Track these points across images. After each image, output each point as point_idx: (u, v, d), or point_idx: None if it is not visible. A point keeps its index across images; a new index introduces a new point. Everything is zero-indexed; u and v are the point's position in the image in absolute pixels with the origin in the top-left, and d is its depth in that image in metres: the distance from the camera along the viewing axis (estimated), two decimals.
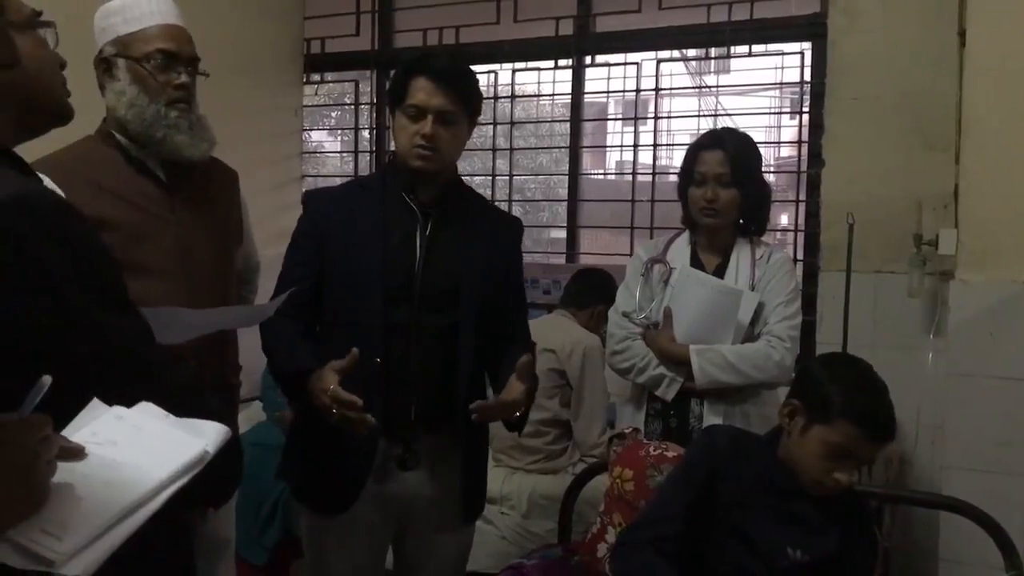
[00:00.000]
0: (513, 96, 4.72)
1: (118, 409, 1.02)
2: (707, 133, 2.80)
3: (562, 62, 4.47)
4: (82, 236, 1.10)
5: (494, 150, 4.73)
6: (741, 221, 2.69)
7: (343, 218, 2.18)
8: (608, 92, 4.97)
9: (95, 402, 1.01)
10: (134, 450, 0.99)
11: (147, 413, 1.04)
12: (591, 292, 3.70)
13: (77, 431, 0.99)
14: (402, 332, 2.12)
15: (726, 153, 2.61)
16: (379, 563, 2.29)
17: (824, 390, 1.98)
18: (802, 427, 2.00)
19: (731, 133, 2.78)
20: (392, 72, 2.21)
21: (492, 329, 2.20)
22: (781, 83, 4.51)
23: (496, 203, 4.71)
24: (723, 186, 2.61)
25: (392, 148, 2.25)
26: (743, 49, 4.09)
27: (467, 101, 2.15)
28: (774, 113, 5.24)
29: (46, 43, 1.22)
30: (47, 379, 0.92)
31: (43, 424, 0.91)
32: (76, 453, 0.96)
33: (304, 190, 2.38)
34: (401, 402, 2.13)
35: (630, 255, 3.59)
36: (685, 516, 2.04)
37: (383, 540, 2.27)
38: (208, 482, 1.19)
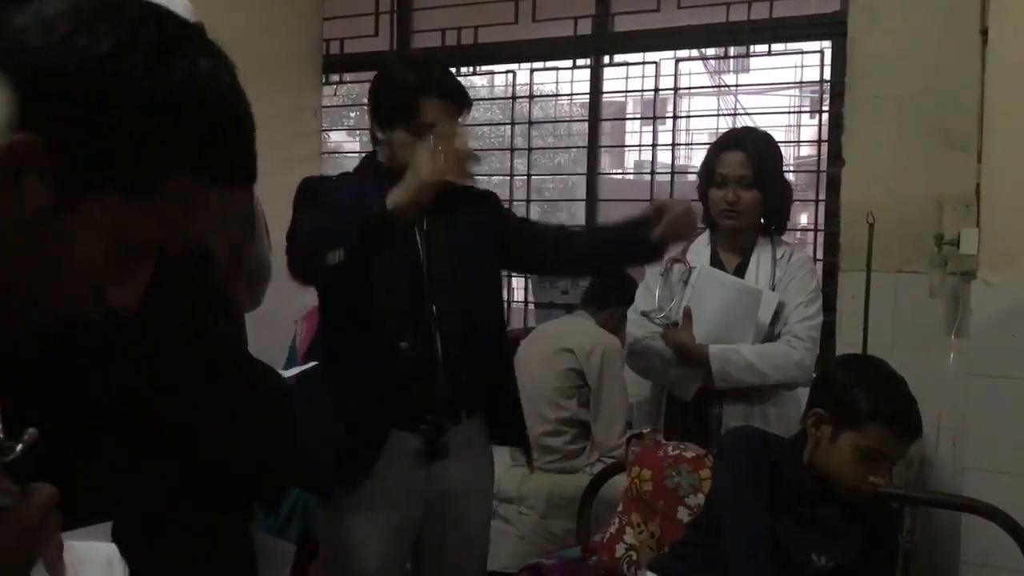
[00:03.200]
0: (531, 96, 4.72)
1: (112, 552, 0.95)
2: (728, 133, 2.79)
3: (580, 62, 4.47)
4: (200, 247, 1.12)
5: (512, 150, 4.73)
6: (762, 221, 2.68)
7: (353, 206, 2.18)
8: (627, 92, 4.96)
9: (105, 527, 0.95)
10: None
11: None
12: (611, 293, 3.67)
13: (69, 544, 0.91)
14: (422, 321, 2.16)
15: (747, 154, 2.59)
16: (403, 561, 2.30)
17: (848, 396, 1.96)
18: (830, 435, 1.99)
19: (752, 133, 2.76)
20: (383, 86, 2.24)
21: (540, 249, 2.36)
22: (801, 82, 4.50)
23: (514, 203, 4.72)
24: (744, 188, 2.59)
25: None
26: (762, 48, 4.07)
27: (466, 112, 2.22)
28: (794, 112, 5.23)
29: None
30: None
31: (49, 500, 0.83)
32: (58, 574, 0.87)
33: (303, 178, 2.33)
34: (428, 388, 2.16)
35: None
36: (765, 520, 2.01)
37: (406, 539, 2.27)
38: (261, 479, 1.20)
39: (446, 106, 2.14)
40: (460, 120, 2.19)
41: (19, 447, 0.83)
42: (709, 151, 2.71)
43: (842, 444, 1.97)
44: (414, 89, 2.13)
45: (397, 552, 2.26)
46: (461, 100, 2.18)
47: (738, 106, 5.01)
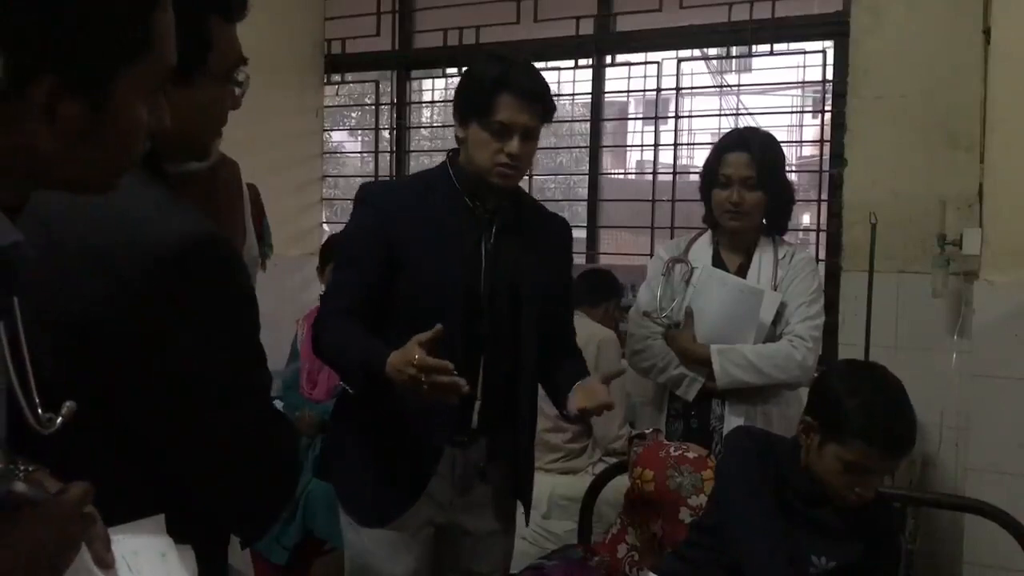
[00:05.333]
0: None
1: (166, 544, 0.99)
2: (732, 133, 2.77)
3: (582, 61, 4.47)
4: (243, 278, 1.15)
5: None
6: (764, 221, 2.68)
7: (411, 217, 2.11)
8: (628, 91, 4.95)
9: (159, 519, 0.99)
10: None
11: (181, 573, 1.00)
12: (601, 290, 3.88)
13: (121, 538, 0.94)
14: (470, 341, 2.09)
15: (752, 155, 2.59)
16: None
17: (836, 408, 1.94)
18: (818, 444, 1.98)
19: (756, 134, 2.75)
20: (466, 80, 2.14)
21: (546, 337, 2.23)
22: (803, 82, 4.47)
23: None
24: (749, 189, 2.59)
25: (455, 149, 2.20)
26: (764, 48, 4.07)
27: (548, 115, 2.13)
28: (796, 112, 5.20)
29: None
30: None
31: (84, 498, 0.86)
32: (107, 566, 0.90)
33: (364, 187, 2.23)
34: (466, 410, 2.11)
35: (650, 255, 3.59)
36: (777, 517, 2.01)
37: (430, 548, 2.25)
38: (245, 516, 1.22)
39: (522, 105, 2.05)
40: (540, 125, 2.10)
41: (59, 420, 0.87)
42: (712, 151, 2.70)
43: (827, 454, 1.96)
44: (492, 84, 2.04)
45: (424, 559, 2.23)
46: (541, 103, 2.08)
47: (740, 106, 5.00)
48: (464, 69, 2.21)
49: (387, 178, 4.87)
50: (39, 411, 0.86)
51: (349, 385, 2.16)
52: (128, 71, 0.85)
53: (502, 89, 2.04)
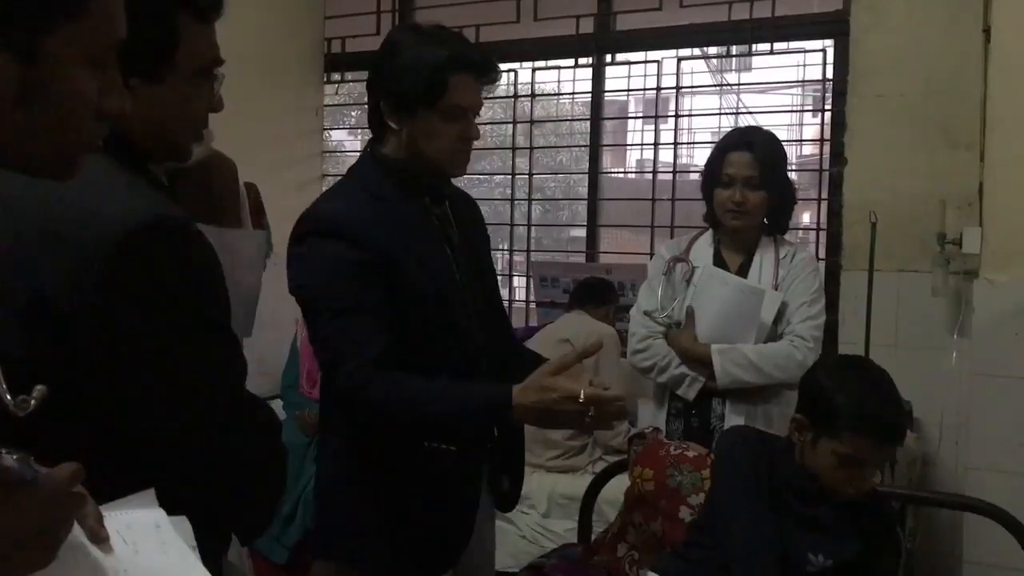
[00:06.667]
0: (533, 95, 4.72)
1: (159, 516, 0.98)
2: (734, 133, 2.77)
3: (582, 60, 4.47)
4: (209, 265, 1.14)
5: (514, 149, 4.73)
6: (765, 221, 2.68)
7: (388, 236, 1.86)
8: (628, 90, 4.97)
9: (149, 493, 0.97)
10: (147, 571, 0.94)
11: (177, 542, 0.98)
12: (601, 294, 3.96)
13: (113, 513, 0.93)
14: (475, 349, 1.95)
15: (754, 155, 2.58)
16: None
17: (826, 403, 1.95)
18: (811, 441, 1.99)
19: (758, 133, 2.74)
20: (405, 66, 1.84)
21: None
22: (803, 81, 4.49)
23: (516, 202, 4.73)
24: (751, 188, 2.58)
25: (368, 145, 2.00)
26: (765, 47, 4.07)
27: (491, 85, 1.98)
28: (796, 111, 5.22)
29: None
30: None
31: (74, 477, 0.85)
32: (101, 541, 0.89)
33: (319, 216, 1.94)
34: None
35: (650, 254, 3.59)
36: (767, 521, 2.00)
37: None
38: (243, 515, 1.22)
39: (477, 84, 1.87)
40: (484, 93, 1.93)
41: (33, 402, 0.86)
42: (714, 151, 2.70)
43: (821, 450, 1.96)
44: (443, 66, 1.81)
45: None
46: (492, 74, 1.91)
47: (740, 105, 5.00)
48: (386, 55, 1.91)
49: None
50: (7, 395, 0.86)
51: (455, 439, 1.87)
52: (61, 30, 0.83)
53: (455, 70, 1.82)
